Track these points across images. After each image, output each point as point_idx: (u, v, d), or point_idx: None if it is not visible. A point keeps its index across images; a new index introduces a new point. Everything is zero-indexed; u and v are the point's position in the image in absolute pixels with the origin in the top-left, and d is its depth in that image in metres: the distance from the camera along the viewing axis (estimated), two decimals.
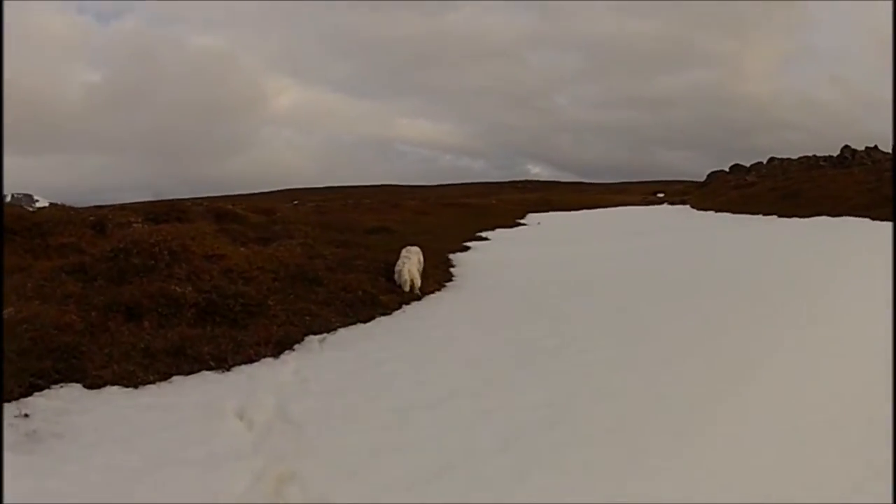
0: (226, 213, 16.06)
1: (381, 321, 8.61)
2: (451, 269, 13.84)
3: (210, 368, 6.09)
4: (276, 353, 6.67)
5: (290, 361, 6.43)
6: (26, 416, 4.84)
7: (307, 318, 8.09)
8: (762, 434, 4.57)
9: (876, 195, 20.28)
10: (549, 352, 6.68)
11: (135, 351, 6.22)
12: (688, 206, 33.17)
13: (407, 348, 6.88)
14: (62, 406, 5.06)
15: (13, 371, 5.36)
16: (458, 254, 16.35)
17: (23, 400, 5.09)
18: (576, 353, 6.59)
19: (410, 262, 10.78)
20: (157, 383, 5.70)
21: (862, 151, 33.85)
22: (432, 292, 11.02)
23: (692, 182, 53.51)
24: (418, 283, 10.58)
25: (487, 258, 15.51)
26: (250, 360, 6.39)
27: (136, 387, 5.57)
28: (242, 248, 10.91)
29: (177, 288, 8.06)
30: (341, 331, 7.90)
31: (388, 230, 18.95)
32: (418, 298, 10.36)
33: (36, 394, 5.23)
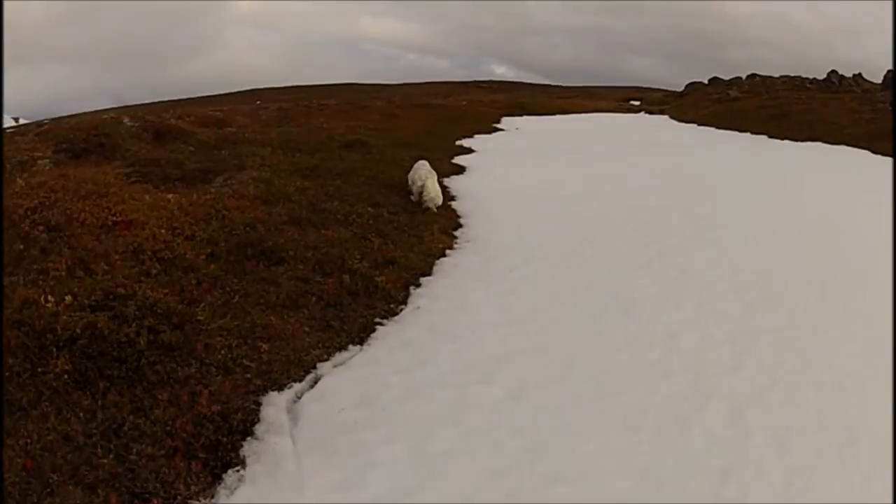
0: (168, 130, 11.72)
1: (387, 339, 5.06)
2: (453, 204, 10.22)
3: None
4: (206, 486, 3.09)
5: None
6: None
7: (263, 345, 4.49)
8: None
9: (874, 127, 18.33)
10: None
11: None
12: (667, 117, 29.35)
13: (477, 482, 3.26)
14: None
15: None
16: (453, 178, 12.60)
17: None
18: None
19: (433, 178, 9.69)
20: None
21: (849, 78, 30.14)
22: (444, 253, 7.52)
23: (665, 91, 48.92)
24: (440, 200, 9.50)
25: (489, 185, 11.85)
26: None
27: None
28: (170, 196, 6.99)
29: (48, 299, 4.34)
30: (325, 373, 4.37)
31: (363, 144, 14.87)
32: (428, 272, 6.82)
33: None
